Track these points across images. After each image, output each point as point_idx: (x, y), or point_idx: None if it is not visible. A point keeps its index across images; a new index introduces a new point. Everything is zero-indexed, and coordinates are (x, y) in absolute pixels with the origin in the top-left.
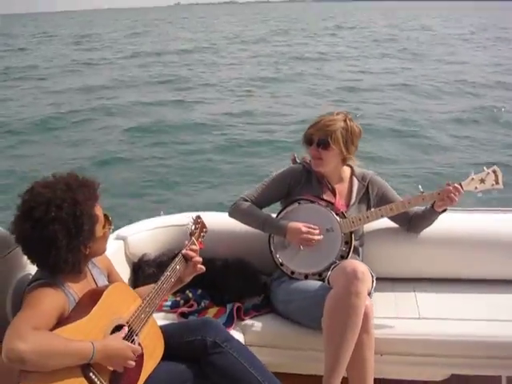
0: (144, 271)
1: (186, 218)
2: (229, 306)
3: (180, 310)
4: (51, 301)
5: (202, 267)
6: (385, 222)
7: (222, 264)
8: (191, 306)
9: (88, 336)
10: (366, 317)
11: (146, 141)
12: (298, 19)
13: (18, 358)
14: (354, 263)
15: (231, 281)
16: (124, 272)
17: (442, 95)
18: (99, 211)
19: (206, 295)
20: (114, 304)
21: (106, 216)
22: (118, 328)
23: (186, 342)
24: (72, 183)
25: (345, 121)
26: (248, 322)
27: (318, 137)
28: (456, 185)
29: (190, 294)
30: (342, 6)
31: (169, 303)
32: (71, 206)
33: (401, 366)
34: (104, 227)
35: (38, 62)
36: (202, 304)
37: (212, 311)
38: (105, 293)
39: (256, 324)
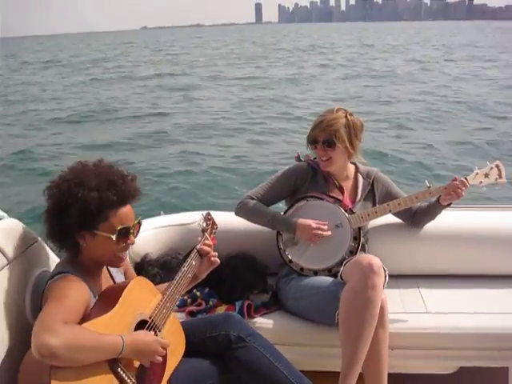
0: (148, 271)
1: (186, 218)
2: (238, 304)
3: (188, 308)
4: (77, 294)
5: (217, 260)
6: (388, 219)
7: (226, 258)
8: (199, 304)
9: (115, 331)
10: (382, 310)
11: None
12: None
13: (49, 353)
14: (369, 257)
15: (238, 273)
16: None
17: None
18: (117, 218)
19: (214, 293)
20: (137, 299)
21: (123, 230)
22: (142, 323)
23: (209, 338)
24: (103, 173)
25: (346, 117)
26: (258, 319)
27: (323, 137)
28: (462, 179)
29: (198, 293)
30: (310, 27)
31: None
32: (76, 185)
33: (411, 360)
34: (110, 236)
35: None
36: (211, 302)
37: (221, 309)
38: (127, 288)
39: (267, 321)
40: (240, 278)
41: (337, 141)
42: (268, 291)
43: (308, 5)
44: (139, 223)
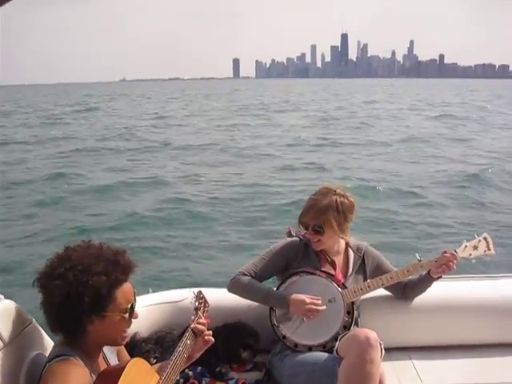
0: (141, 348)
1: (176, 295)
2: (232, 382)
3: None
4: (79, 378)
5: (212, 338)
6: (378, 292)
7: (220, 327)
8: None
9: None
10: None
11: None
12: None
13: None
14: (365, 331)
15: (232, 335)
16: None
17: None
18: (123, 296)
19: (206, 372)
20: (135, 381)
21: (132, 307)
22: None
23: None
24: (104, 254)
25: (336, 201)
26: None
27: (313, 223)
28: (452, 252)
29: (190, 373)
30: (287, 82)
31: None
32: (82, 272)
33: None
34: (121, 314)
35: None
36: (204, 382)
37: None
38: (125, 370)
39: None
40: (232, 334)
41: (326, 228)
42: (261, 368)
43: (284, 61)
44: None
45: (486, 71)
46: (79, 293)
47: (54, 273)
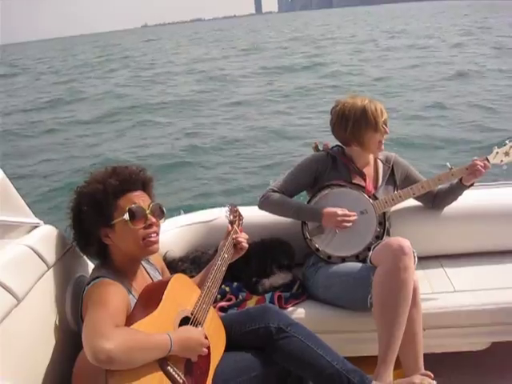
0: (177, 267)
1: (208, 215)
2: (268, 296)
3: (219, 304)
4: (117, 297)
5: (246, 245)
6: (407, 202)
7: (257, 243)
8: (229, 299)
9: (161, 329)
10: (415, 291)
11: None
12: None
13: (107, 358)
14: (399, 239)
15: (267, 250)
16: None
17: None
18: (127, 203)
19: (242, 287)
20: (178, 296)
21: (134, 209)
22: (185, 319)
23: (250, 331)
24: (109, 169)
25: None
26: (290, 309)
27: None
28: (484, 161)
29: (227, 288)
30: (315, 14)
31: None
32: (85, 185)
33: (443, 339)
34: (126, 216)
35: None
36: (240, 297)
37: (251, 302)
38: (168, 285)
39: (299, 311)
40: (267, 251)
41: None
42: (296, 280)
43: None
44: (159, 206)
45: None
46: (80, 204)
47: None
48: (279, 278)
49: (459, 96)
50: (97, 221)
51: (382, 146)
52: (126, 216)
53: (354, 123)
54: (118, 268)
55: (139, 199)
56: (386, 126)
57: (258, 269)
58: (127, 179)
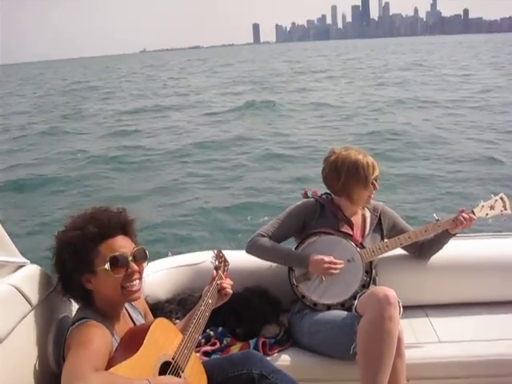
0: (164, 308)
1: (196, 258)
2: (252, 342)
3: (203, 348)
4: (100, 339)
5: (230, 291)
6: (395, 251)
7: (243, 290)
8: (214, 344)
9: (141, 374)
10: (399, 341)
11: None
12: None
13: None
14: (384, 289)
15: (252, 305)
16: None
17: None
18: (108, 249)
19: (227, 332)
20: (160, 340)
21: (113, 258)
22: (165, 364)
23: (232, 378)
24: (88, 213)
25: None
26: (274, 356)
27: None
28: (470, 214)
29: (212, 333)
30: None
31: None
32: (64, 232)
33: None
34: (106, 266)
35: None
36: (225, 341)
37: (235, 348)
38: (150, 329)
39: (283, 358)
40: (254, 310)
41: None
42: (281, 327)
43: (305, 23)
44: (143, 250)
45: None
46: (60, 252)
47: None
48: (267, 332)
49: None
50: (78, 267)
51: (371, 201)
52: (107, 265)
53: (345, 178)
54: (101, 311)
55: (121, 245)
56: (376, 181)
57: (246, 328)
58: (106, 225)
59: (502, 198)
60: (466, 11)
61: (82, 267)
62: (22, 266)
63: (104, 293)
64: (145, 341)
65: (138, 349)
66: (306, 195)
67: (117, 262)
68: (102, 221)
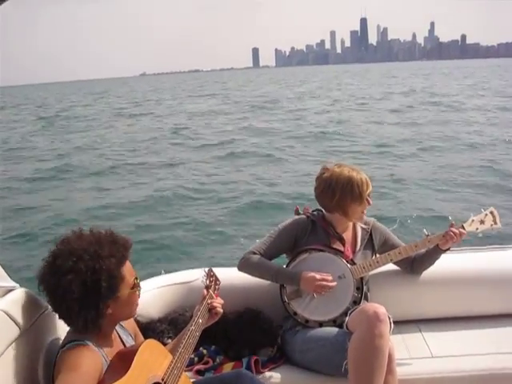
0: (156, 328)
1: (188, 276)
2: (245, 360)
3: (196, 367)
4: (90, 362)
5: (221, 310)
6: (386, 267)
7: (235, 316)
8: (206, 362)
9: None
10: (390, 358)
11: None
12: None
13: None
14: (374, 306)
15: (246, 333)
16: None
17: None
18: (128, 272)
19: (220, 351)
20: (149, 362)
21: (135, 279)
22: None
23: None
24: (102, 238)
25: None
26: (266, 374)
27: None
28: (460, 229)
29: (205, 351)
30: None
31: None
32: (92, 259)
33: None
34: (132, 290)
35: None
36: (217, 360)
37: (228, 366)
38: (138, 351)
39: (275, 375)
40: (247, 338)
41: None
42: (273, 345)
43: (304, 48)
44: None
45: (510, 50)
46: (95, 280)
47: (62, 269)
48: (261, 355)
49: None
50: (107, 295)
51: (365, 216)
52: (137, 290)
53: (340, 195)
54: (98, 333)
55: (131, 266)
56: (369, 197)
57: (238, 352)
58: (124, 247)
59: (491, 213)
60: (463, 37)
61: (112, 293)
62: (11, 290)
63: (121, 316)
64: (133, 362)
65: (126, 371)
66: (297, 212)
67: (139, 284)
68: (122, 244)
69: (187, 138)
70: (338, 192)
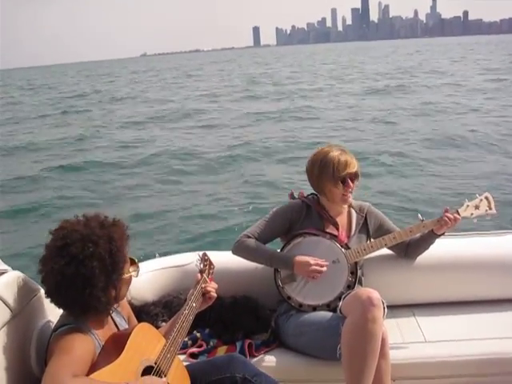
0: (150, 311)
1: (182, 259)
2: (238, 344)
3: (190, 350)
4: (83, 346)
5: (215, 294)
6: (381, 251)
7: (231, 302)
8: (200, 346)
9: (122, 378)
10: (383, 342)
11: None
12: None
13: None
14: (368, 291)
15: (241, 318)
16: None
17: None
18: (127, 254)
19: (214, 334)
20: (142, 345)
21: (131, 259)
22: (148, 369)
23: (215, 381)
24: (105, 222)
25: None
26: (260, 357)
27: (356, 172)
28: (455, 214)
29: (198, 334)
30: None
31: None
32: (107, 242)
33: None
34: (134, 270)
35: None
36: (211, 343)
37: (222, 350)
38: (131, 335)
39: (268, 359)
40: (242, 325)
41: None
42: (267, 329)
43: (305, 26)
44: None
45: None
46: (114, 262)
47: (80, 256)
48: (255, 338)
49: None
50: (117, 276)
51: (349, 199)
52: (135, 273)
53: (318, 173)
54: (89, 317)
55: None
56: (351, 181)
57: (232, 337)
58: (125, 227)
59: (486, 198)
60: (465, 13)
61: (119, 275)
62: (3, 273)
63: (120, 297)
64: (126, 346)
65: (119, 354)
66: (292, 196)
67: (135, 261)
68: (122, 227)
69: None
70: (316, 169)
